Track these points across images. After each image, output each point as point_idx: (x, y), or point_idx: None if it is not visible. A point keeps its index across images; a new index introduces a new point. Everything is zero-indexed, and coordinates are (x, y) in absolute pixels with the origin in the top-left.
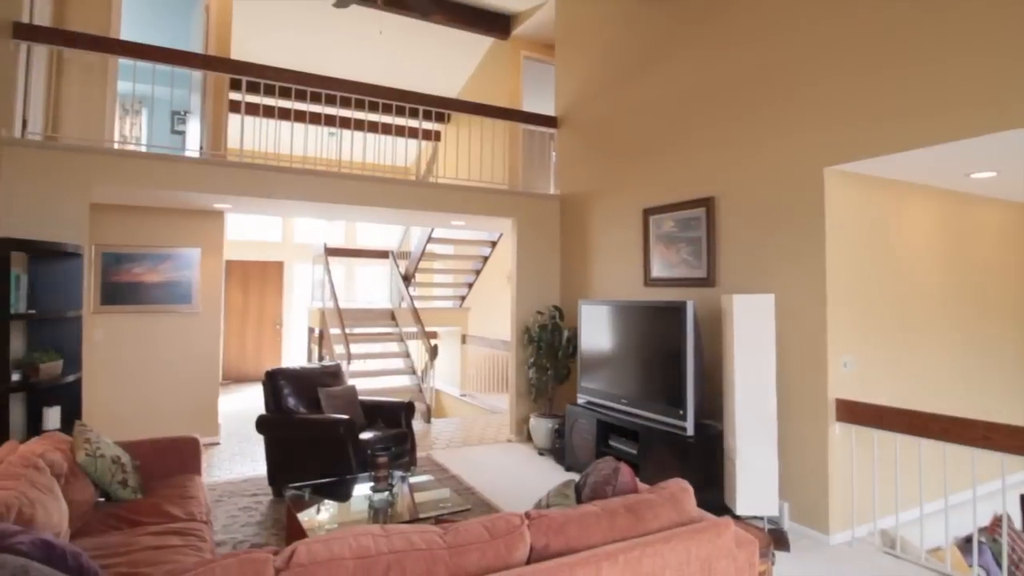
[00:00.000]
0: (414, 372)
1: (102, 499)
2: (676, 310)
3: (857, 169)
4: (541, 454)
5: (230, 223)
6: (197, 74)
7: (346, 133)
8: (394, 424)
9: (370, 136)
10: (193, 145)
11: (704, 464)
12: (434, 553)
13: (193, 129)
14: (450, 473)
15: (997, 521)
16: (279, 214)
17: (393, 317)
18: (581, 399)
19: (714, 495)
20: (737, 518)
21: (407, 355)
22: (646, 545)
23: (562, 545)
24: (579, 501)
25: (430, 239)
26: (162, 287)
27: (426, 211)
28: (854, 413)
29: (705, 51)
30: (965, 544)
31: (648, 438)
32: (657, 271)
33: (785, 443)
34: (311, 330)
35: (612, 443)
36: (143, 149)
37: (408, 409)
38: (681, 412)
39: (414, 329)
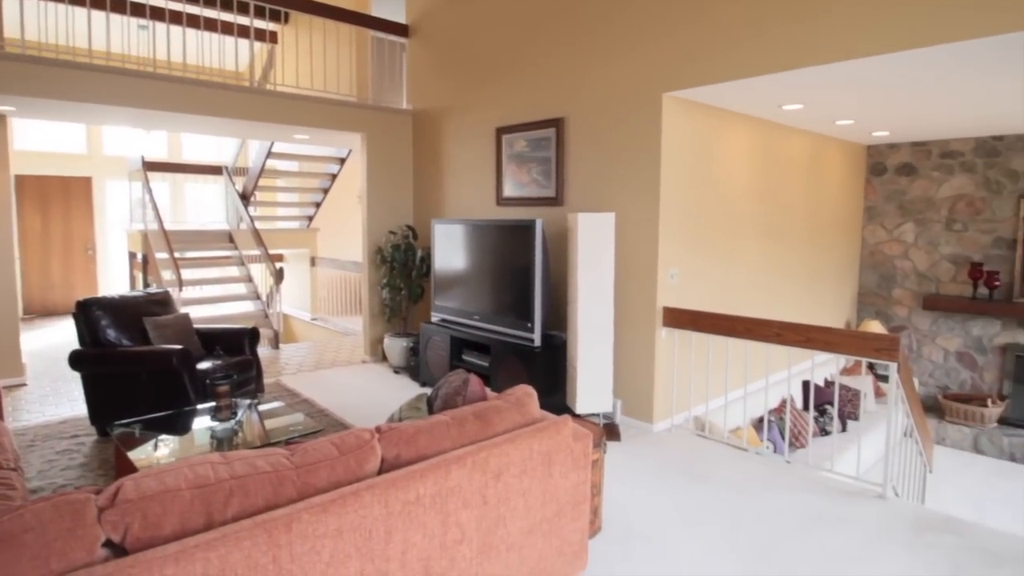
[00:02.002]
0: (258, 297)
1: None
2: (526, 229)
3: (691, 96)
4: (396, 372)
5: (17, 130)
6: None
7: (160, 27)
8: (237, 352)
9: (191, 33)
10: None
11: (550, 371)
12: (281, 474)
13: None
14: (302, 397)
15: (783, 403)
16: (82, 121)
17: (231, 240)
18: (435, 317)
19: (558, 398)
20: (577, 416)
21: (249, 280)
22: (492, 446)
23: (413, 454)
24: (431, 413)
25: (270, 154)
26: None
27: (263, 122)
28: (677, 318)
29: None
30: (758, 423)
31: (499, 351)
32: (509, 190)
33: (619, 348)
34: (132, 255)
35: (465, 357)
36: None
37: (252, 335)
38: (529, 325)
39: (256, 252)
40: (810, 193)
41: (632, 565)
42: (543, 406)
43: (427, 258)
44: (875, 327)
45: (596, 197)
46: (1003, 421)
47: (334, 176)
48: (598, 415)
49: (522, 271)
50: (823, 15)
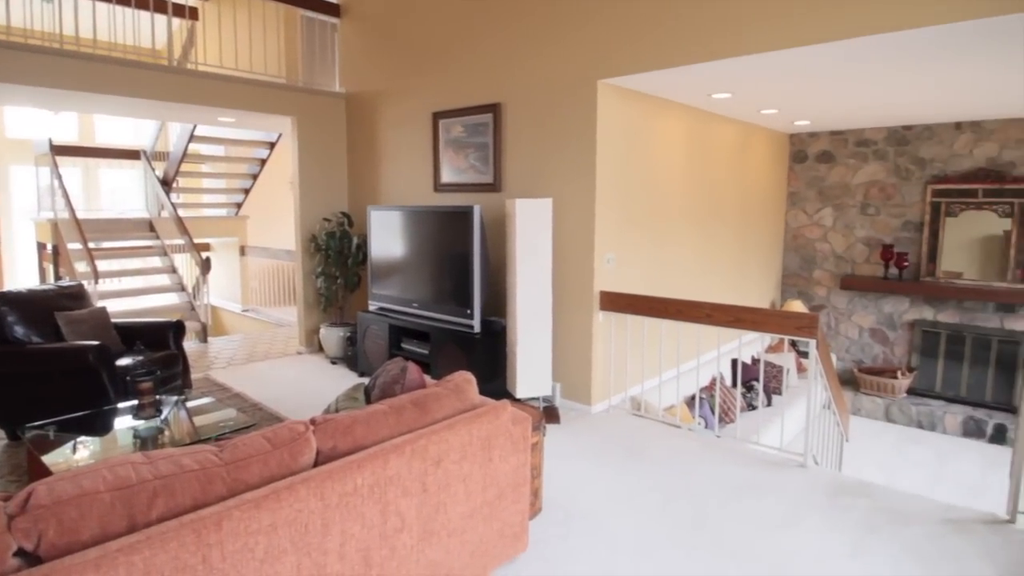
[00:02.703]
0: (183, 289)
1: None
2: (464, 215)
3: (625, 83)
4: (334, 363)
5: None
6: None
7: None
8: (161, 347)
9: (102, 7)
10: None
11: (490, 357)
12: (209, 472)
13: None
14: (233, 392)
15: (713, 381)
16: None
17: (152, 228)
18: (373, 306)
19: (499, 384)
20: (517, 401)
21: (173, 270)
22: (431, 433)
23: (350, 445)
24: (369, 402)
25: (193, 138)
26: None
27: (184, 104)
28: (613, 302)
29: None
30: (691, 401)
31: (439, 338)
32: (447, 176)
33: (558, 332)
34: (42, 246)
35: (405, 346)
36: None
37: (177, 329)
38: (469, 311)
39: (180, 241)
40: (738, 179)
41: (571, 542)
42: (484, 392)
43: (363, 246)
44: (797, 306)
45: (534, 183)
46: (911, 391)
47: (263, 161)
48: (538, 399)
49: (461, 258)
50: (749, 7)
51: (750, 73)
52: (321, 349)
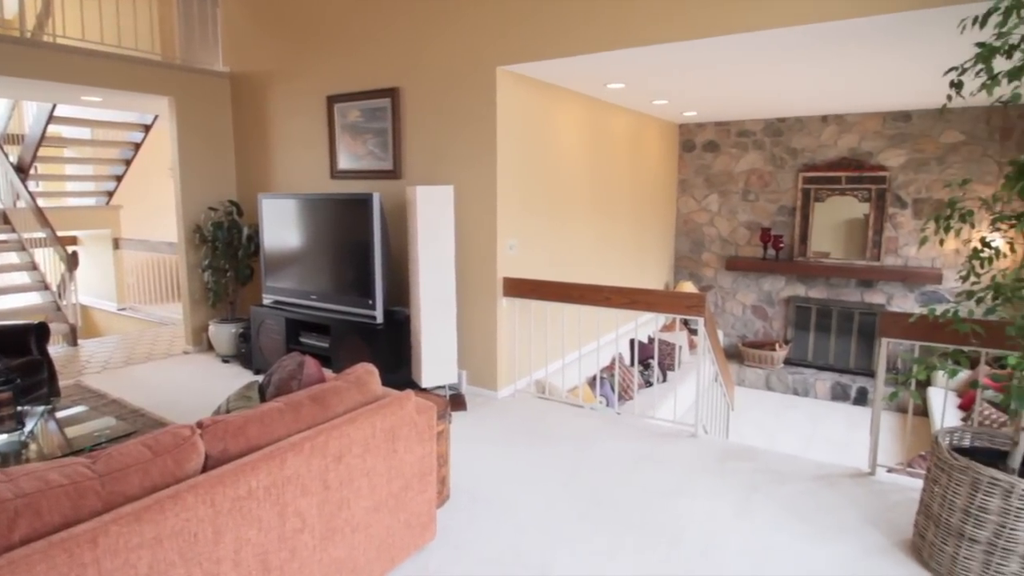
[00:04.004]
0: (47, 287)
1: None
2: (363, 202)
3: (524, 71)
4: (225, 361)
5: None
6: None
7: None
8: (20, 352)
9: None
10: None
11: (394, 347)
12: (80, 486)
13: None
14: (110, 398)
15: (613, 361)
16: None
17: (6, 220)
18: (267, 299)
19: (404, 374)
20: (423, 390)
21: (34, 267)
22: (332, 428)
23: (243, 446)
24: (264, 400)
25: (52, 119)
26: None
27: (39, 80)
28: (517, 288)
29: None
30: (593, 381)
31: (339, 330)
32: (344, 163)
33: (463, 320)
34: None
35: (303, 340)
36: None
37: (39, 332)
38: (371, 302)
39: (41, 234)
40: (633, 167)
41: (478, 526)
42: (389, 383)
43: (255, 236)
44: (688, 287)
45: (435, 169)
46: (787, 362)
47: (138, 145)
48: (444, 387)
49: (361, 247)
50: (641, 1)
51: (642, 64)
52: (211, 348)
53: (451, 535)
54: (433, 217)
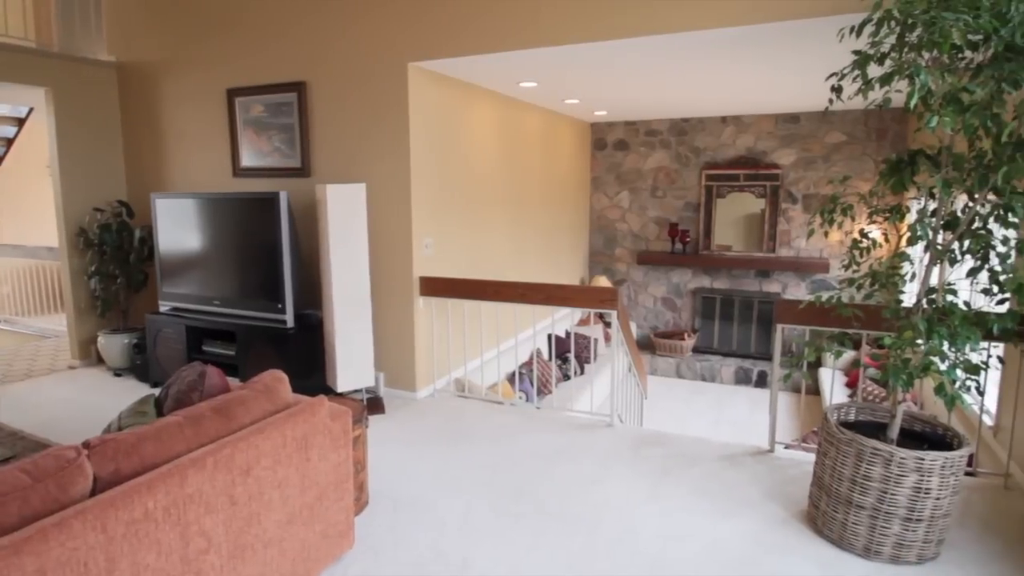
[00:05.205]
0: None
1: None
2: (270, 201)
3: (436, 68)
4: (118, 375)
5: None
6: None
7: None
8: None
9: None
10: None
11: (307, 352)
12: None
13: None
14: None
15: (532, 357)
16: None
17: None
18: (165, 306)
19: (318, 379)
20: (339, 395)
21: None
22: (238, 441)
23: (137, 466)
24: (162, 415)
25: None
26: None
27: None
28: (433, 287)
29: None
30: (512, 377)
31: (247, 337)
32: (248, 160)
33: (379, 321)
34: None
35: (207, 349)
36: None
37: None
38: (280, 306)
39: None
40: (547, 165)
41: (399, 531)
42: (302, 389)
43: (149, 238)
44: (603, 282)
45: (346, 167)
46: (696, 350)
47: (10, 141)
48: (361, 391)
49: (268, 248)
50: (550, 2)
51: (553, 64)
52: (101, 361)
53: (371, 541)
54: (345, 216)
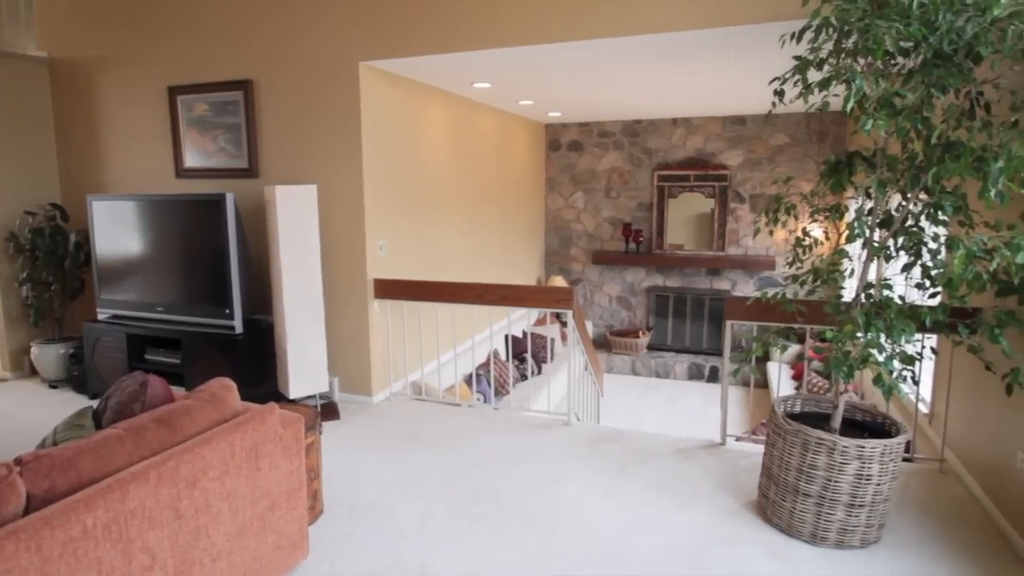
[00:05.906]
0: None
1: None
2: (215, 203)
3: (388, 68)
4: (53, 387)
5: None
6: None
7: None
8: None
9: None
10: None
11: (257, 358)
12: None
13: None
14: None
15: (489, 357)
16: None
17: None
18: (104, 314)
19: (269, 386)
20: (291, 402)
21: None
22: (183, 452)
23: (74, 482)
24: (100, 428)
25: None
26: None
27: None
28: (388, 289)
29: None
30: (469, 379)
31: (193, 344)
32: (192, 161)
33: (332, 325)
34: None
35: (150, 357)
36: None
37: None
38: (228, 311)
39: None
40: (502, 166)
41: (356, 538)
42: (253, 397)
43: (85, 243)
44: (559, 282)
45: (296, 168)
46: (650, 347)
47: None
48: (315, 397)
49: (215, 252)
50: (503, 2)
51: (506, 64)
52: (35, 372)
53: (326, 551)
54: (295, 218)
